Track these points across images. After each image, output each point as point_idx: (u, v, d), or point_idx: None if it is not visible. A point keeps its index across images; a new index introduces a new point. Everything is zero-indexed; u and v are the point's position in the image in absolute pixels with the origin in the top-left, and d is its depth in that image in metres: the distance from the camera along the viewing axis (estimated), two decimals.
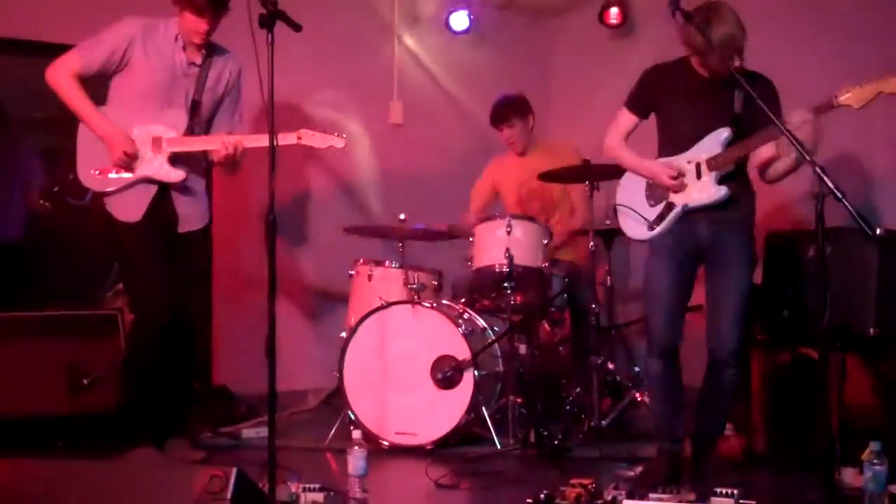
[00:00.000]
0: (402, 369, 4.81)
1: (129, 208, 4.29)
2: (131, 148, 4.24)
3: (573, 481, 3.69)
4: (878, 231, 4.02)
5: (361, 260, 5.31)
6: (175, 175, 4.30)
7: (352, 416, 4.83)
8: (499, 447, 4.62)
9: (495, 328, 5.06)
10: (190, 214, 4.41)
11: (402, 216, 5.09)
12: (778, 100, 3.92)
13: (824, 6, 5.32)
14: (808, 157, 3.39)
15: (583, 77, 6.98)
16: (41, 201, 5.72)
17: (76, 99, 4.26)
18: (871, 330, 4.13)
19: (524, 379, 5.03)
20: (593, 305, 5.12)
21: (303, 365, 6.13)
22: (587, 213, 5.12)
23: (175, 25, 4.32)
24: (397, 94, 6.76)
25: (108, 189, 4.30)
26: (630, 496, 3.56)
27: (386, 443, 4.76)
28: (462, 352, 4.71)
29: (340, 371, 4.90)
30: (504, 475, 4.26)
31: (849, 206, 3.21)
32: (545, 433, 4.62)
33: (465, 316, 4.99)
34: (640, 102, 4.13)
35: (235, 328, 5.68)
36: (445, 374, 4.72)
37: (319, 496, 3.63)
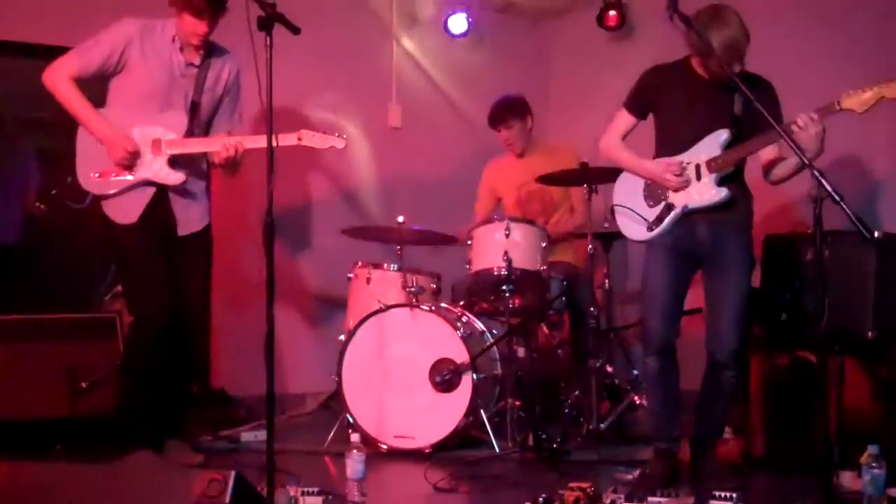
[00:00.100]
0: (400, 372, 4.81)
1: (126, 210, 4.29)
2: (132, 146, 4.23)
3: (572, 485, 3.69)
4: (876, 234, 4.01)
5: (360, 263, 5.31)
6: (175, 177, 4.30)
7: (350, 420, 4.83)
8: (497, 450, 4.62)
9: (494, 331, 5.06)
10: (189, 217, 4.41)
11: (400, 219, 5.09)
12: (778, 102, 3.93)
13: (827, 8, 5.32)
14: (805, 160, 3.39)
15: (581, 79, 6.98)
16: (37, 204, 5.71)
17: (74, 101, 4.25)
18: (870, 333, 4.14)
19: (523, 382, 5.02)
20: (592, 308, 5.12)
21: (301, 368, 6.13)
22: (587, 214, 5.12)
23: (172, 26, 4.31)
24: (396, 97, 6.76)
25: (109, 192, 4.29)
26: (629, 499, 3.56)
27: (384, 446, 4.76)
28: (460, 355, 4.71)
29: (339, 374, 4.90)
30: (502, 479, 4.25)
31: (847, 210, 3.21)
32: (544, 436, 4.62)
33: (464, 319, 4.99)
34: (638, 103, 4.13)
35: (234, 331, 5.68)
36: (444, 377, 4.72)
37: (318, 500, 3.63)
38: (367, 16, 6.68)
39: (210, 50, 4.38)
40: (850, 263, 4.17)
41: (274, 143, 3.96)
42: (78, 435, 4.66)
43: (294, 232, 6.21)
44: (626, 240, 4.36)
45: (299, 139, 4.25)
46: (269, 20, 3.55)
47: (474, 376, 4.69)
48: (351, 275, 5.30)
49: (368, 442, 4.60)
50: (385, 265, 5.23)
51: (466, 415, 4.69)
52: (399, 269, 5.15)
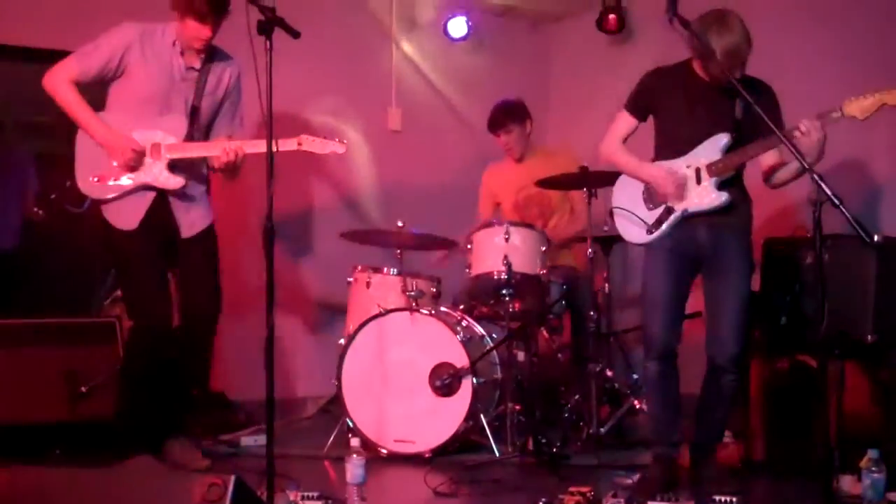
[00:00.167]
0: (400, 377, 4.81)
1: (126, 215, 4.28)
2: (137, 145, 4.21)
3: (571, 489, 3.69)
4: (875, 238, 4.02)
5: (359, 267, 5.31)
6: (174, 182, 4.28)
7: (350, 424, 4.82)
8: (497, 455, 4.61)
9: (493, 335, 5.06)
10: (191, 219, 4.39)
11: (400, 223, 5.09)
12: (779, 107, 3.92)
13: (828, 10, 5.32)
14: (805, 165, 3.40)
15: (581, 83, 6.99)
16: (35, 209, 5.71)
17: (74, 105, 4.24)
18: (870, 337, 4.13)
19: (523, 386, 5.02)
20: (592, 312, 5.12)
21: (301, 372, 6.14)
22: (587, 218, 5.12)
23: (173, 30, 4.29)
24: (395, 101, 6.77)
25: (108, 196, 4.28)
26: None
27: (384, 451, 4.76)
28: (460, 359, 4.70)
29: (339, 378, 4.90)
30: (502, 483, 4.25)
31: (846, 213, 3.21)
32: (543, 441, 4.62)
33: (464, 323, 4.98)
34: (639, 105, 4.12)
35: (233, 335, 5.66)
36: (444, 381, 4.72)
37: None
38: (367, 19, 6.69)
39: (211, 54, 4.36)
40: (850, 267, 4.16)
41: (274, 148, 3.98)
42: (77, 439, 4.66)
43: (294, 236, 6.21)
44: (625, 243, 4.35)
45: (299, 144, 4.25)
46: (269, 24, 3.56)
47: (474, 380, 4.68)
48: (350, 279, 5.30)
49: (368, 446, 4.60)
50: (385, 269, 5.23)
51: (466, 419, 4.69)
52: (399, 273, 5.15)
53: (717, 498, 3.53)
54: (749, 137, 3.89)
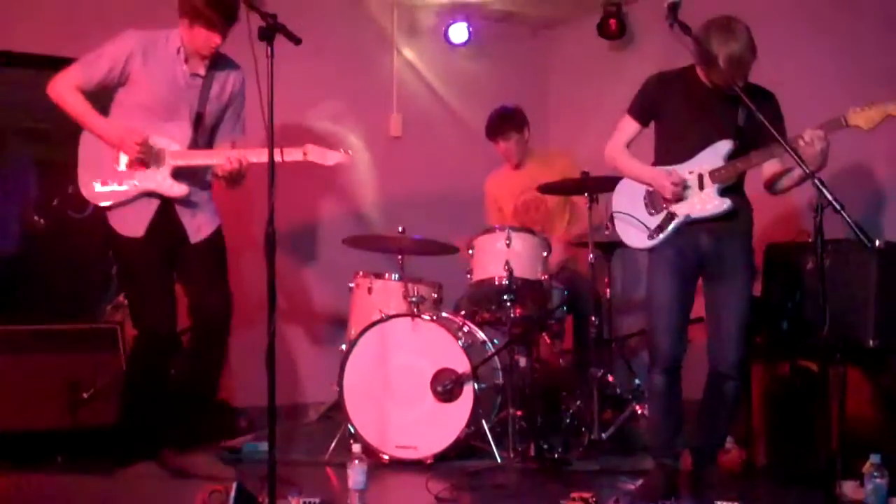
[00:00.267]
0: (402, 382, 4.81)
1: (132, 223, 4.25)
2: (142, 137, 4.17)
3: (574, 495, 3.69)
4: (876, 243, 4.03)
5: (361, 273, 5.31)
6: (178, 190, 4.25)
7: (352, 430, 4.82)
8: (499, 461, 4.61)
9: (495, 341, 5.06)
10: (198, 224, 4.35)
11: (401, 228, 5.09)
12: (781, 115, 3.92)
13: (829, 15, 5.33)
14: (807, 171, 3.40)
15: (582, 88, 6.99)
16: (36, 217, 5.71)
17: (81, 109, 4.21)
18: (871, 342, 4.14)
19: (524, 392, 5.02)
20: (593, 318, 5.12)
21: (303, 378, 6.13)
22: (587, 220, 5.13)
23: (177, 37, 4.26)
24: (396, 107, 6.78)
25: (111, 202, 4.25)
26: None
27: (386, 456, 4.75)
28: (462, 365, 4.70)
29: (340, 384, 4.89)
30: (504, 489, 4.25)
31: (847, 218, 3.22)
32: (545, 446, 4.63)
33: (465, 329, 4.98)
34: (642, 109, 4.11)
35: (235, 341, 5.65)
36: (445, 387, 4.72)
37: None
38: (368, 25, 6.70)
39: (215, 60, 4.33)
40: (852, 272, 4.17)
41: (280, 158, 4.00)
42: (79, 446, 4.65)
43: (295, 242, 6.21)
44: (627, 249, 4.35)
45: (305, 154, 4.23)
46: (271, 31, 3.56)
47: (476, 386, 4.68)
48: (352, 284, 5.30)
49: (370, 452, 4.60)
50: (386, 275, 5.23)
51: (468, 425, 4.69)
52: (400, 279, 5.15)
53: (718, 503, 3.53)
54: (751, 144, 3.89)
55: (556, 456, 4.57)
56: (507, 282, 4.89)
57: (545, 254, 5.06)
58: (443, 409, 4.72)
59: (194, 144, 4.30)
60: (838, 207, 3.23)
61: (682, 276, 4.02)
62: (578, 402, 5.06)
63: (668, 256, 4.02)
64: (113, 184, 4.24)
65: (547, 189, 5.28)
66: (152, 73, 4.23)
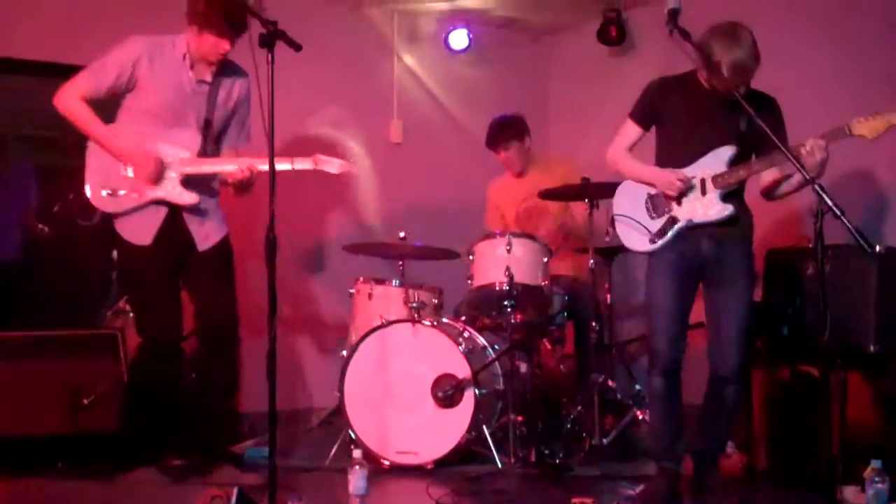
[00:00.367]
0: (402, 388, 4.81)
1: (140, 231, 4.23)
2: (158, 158, 4.16)
3: (575, 500, 3.69)
4: (877, 248, 4.03)
5: (362, 278, 5.31)
6: (188, 198, 4.23)
7: (352, 436, 4.82)
8: (500, 466, 4.60)
9: (496, 346, 5.06)
10: (205, 232, 4.34)
11: (402, 234, 5.10)
12: (783, 122, 3.93)
13: (835, 26, 5.34)
14: (808, 177, 3.41)
15: (582, 95, 7.00)
16: (39, 226, 5.71)
17: (89, 122, 4.18)
18: (872, 347, 4.13)
19: (525, 397, 5.02)
20: (594, 323, 5.12)
21: (304, 384, 6.13)
22: (584, 220, 5.14)
23: (182, 43, 4.24)
24: (397, 113, 6.79)
25: (120, 210, 4.22)
26: None
27: (387, 462, 4.75)
28: (462, 370, 4.70)
29: (341, 390, 4.89)
30: (505, 494, 4.24)
31: (847, 224, 3.22)
32: (546, 452, 4.62)
33: (466, 334, 4.98)
34: (644, 113, 4.11)
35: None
36: (446, 392, 4.71)
37: None
38: (369, 32, 6.71)
39: (222, 67, 4.31)
40: (852, 277, 4.17)
41: (290, 167, 4.00)
42: (79, 452, 4.65)
43: (296, 248, 6.21)
44: (627, 254, 4.35)
45: (315, 164, 4.22)
46: (271, 37, 3.57)
47: (476, 392, 4.68)
48: (353, 290, 5.30)
49: (370, 458, 4.60)
50: (387, 280, 5.23)
51: (469, 430, 4.68)
52: (401, 285, 5.15)
53: None
54: (753, 149, 3.90)
55: (557, 461, 4.56)
56: (507, 287, 4.89)
57: (546, 259, 5.06)
58: (443, 415, 4.72)
59: (203, 152, 4.29)
60: (839, 213, 3.24)
61: (682, 280, 4.02)
62: (579, 408, 5.06)
63: (669, 260, 4.02)
64: (121, 191, 4.21)
65: (547, 195, 5.29)
66: (159, 79, 4.21)
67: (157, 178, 4.20)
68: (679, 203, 4.00)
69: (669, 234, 4.02)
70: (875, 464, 3.62)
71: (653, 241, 4.06)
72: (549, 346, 5.42)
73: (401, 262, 5.19)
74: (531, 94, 7.09)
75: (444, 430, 4.70)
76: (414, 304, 4.97)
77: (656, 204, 4.08)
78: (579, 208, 5.58)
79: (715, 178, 3.94)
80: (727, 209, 3.94)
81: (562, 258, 5.52)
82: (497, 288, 4.95)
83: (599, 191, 4.94)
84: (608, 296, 5.42)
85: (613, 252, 5.31)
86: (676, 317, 4.01)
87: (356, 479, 3.89)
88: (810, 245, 3.60)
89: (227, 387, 4.44)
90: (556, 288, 5.22)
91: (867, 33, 5.19)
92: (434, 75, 6.99)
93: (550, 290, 5.09)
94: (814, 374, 4.32)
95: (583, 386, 5.15)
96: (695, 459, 4.18)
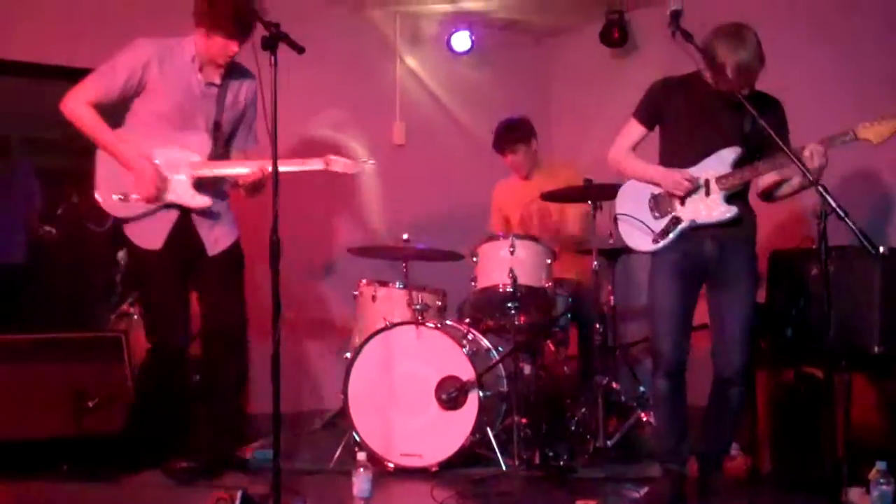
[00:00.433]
0: (406, 390, 4.81)
1: (150, 234, 4.21)
2: (162, 184, 4.15)
3: (579, 502, 3.69)
4: (881, 249, 4.03)
5: (365, 281, 5.31)
6: (200, 201, 4.22)
7: (357, 438, 4.82)
8: (504, 468, 4.60)
9: (499, 348, 5.06)
10: (216, 236, 4.33)
11: (405, 236, 5.10)
12: (786, 124, 3.92)
13: (838, 29, 5.34)
14: (811, 178, 3.41)
15: (584, 96, 7.01)
16: (46, 228, 5.71)
17: (97, 129, 4.15)
18: (876, 348, 4.13)
19: (529, 399, 5.01)
20: (597, 325, 5.12)
21: (308, 386, 6.13)
22: (579, 226, 5.14)
23: (190, 45, 4.22)
24: (399, 115, 6.79)
25: (131, 215, 4.20)
26: None
27: (391, 464, 4.75)
28: (466, 372, 4.70)
29: (345, 392, 4.89)
30: (509, 496, 4.24)
31: (851, 225, 3.22)
32: (550, 454, 4.62)
33: (470, 336, 4.98)
34: (648, 113, 4.09)
35: None
36: (450, 394, 4.71)
37: None
38: (371, 34, 6.72)
39: (229, 69, 4.29)
40: (856, 278, 4.16)
41: (302, 168, 4.00)
42: (84, 455, 4.65)
43: (299, 250, 6.20)
44: (630, 256, 4.35)
45: (326, 165, 4.22)
46: (274, 40, 3.58)
47: (480, 394, 4.68)
48: (356, 293, 5.30)
49: (375, 460, 4.60)
50: (390, 283, 5.24)
51: (473, 432, 4.68)
52: (404, 287, 5.15)
53: None
54: (756, 151, 3.89)
55: (561, 463, 4.56)
56: (511, 289, 4.89)
57: (549, 261, 5.06)
58: (447, 417, 4.72)
59: (214, 155, 4.29)
60: (842, 214, 3.24)
61: (685, 280, 4.01)
62: (583, 410, 5.06)
63: (672, 260, 4.02)
64: (133, 196, 4.18)
65: (550, 197, 5.29)
66: (168, 81, 4.19)
67: (157, 199, 4.17)
68: (683, 203, 3.99)
69: (672, 234, 4.02)
70: (880, 465, 3.61)
71: (656, 241, 4.05)
72: (552, 348, 5.42)
73: (404, 264, 5.20)
74: (533, 95, 7.09)
75: (449, 433, 4.70)
76: (417, 307, 4.97)
77: (660, 204, 4.07)
78: (574, 213, 5.59)
79: (719, 179, 3.93)
80: (731, 210, 3.93)
81: (565, 260, 5.51)
82: (501, 290, 4.94)
83: (602, 192, 4.94)
84: (611, 297, 5.42)
85: (617, 254, 5.31)
86: (680, 317, 4.01)
87: (360, 482, 3.90)
88: (814, 246, 3.60)
89: (235, 391, 4.42)
90: (560, 290, 5.21)
91: (868, 34, 5.19)
92: (436, 77, 6.99)
93: (554, 292, 5.09)
94: (818, 375, 4.31)
95: (587, 388, 5.15)
96: (699, 461, 4.17)
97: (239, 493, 3.10)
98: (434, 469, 4.68)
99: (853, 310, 4.10)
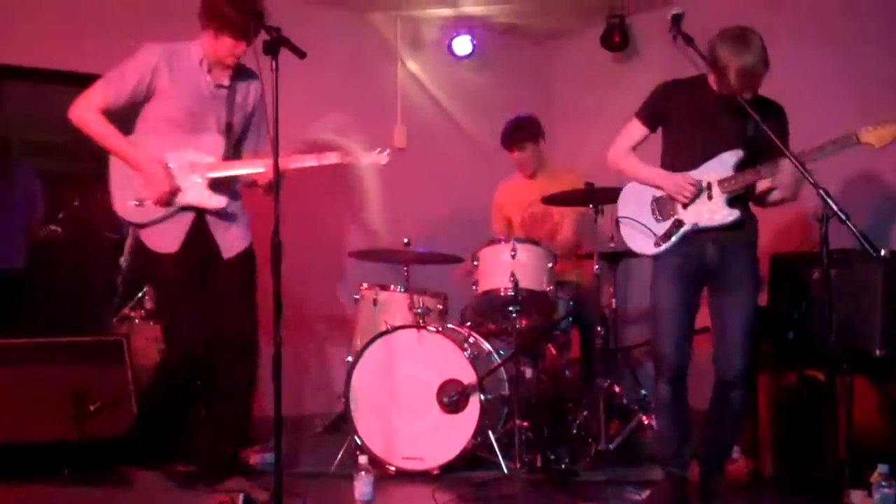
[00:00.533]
0: (408, 394, 4.81)
1: (166, 238, 4.18)
2: (172, 185, 4.12)
3: None
4: (882, 252, 4.03)
5: (366, 284, 5.32)
6: (217, 201, 4.19)
7: (358, 441, 4.82)
8: (506, 471, 4.60)
9: (501, 352, 5.06)
10: (230, 239, 4.30)
11: (406, 240, 5.10)
12: (787, 129, 3.91)
13: (841, 34, 5.34)
14: (811, 180, 3.41)
15: (585, 99, 7.02)
16: (51, 227, 5.71)
17: (107, 134, 4.12)
18: (878, 351, 4.13)
19: (530, 403, 5.01)
20: (599, 328, 5.12)
21: (309, 390, 6.13)
22: (572, 231, 5.14)
23: (197, 49, 4.20)
24: (401, 119, 6.80)
25: (149, 220, 4.16)
26: None
27: (392, 468, 4.74)
28: (468, 376, 4.70)
29: (346, 396, 4.89)
30: (511, 500, 4.24)
31: (853, 228, 3.22)
32: (552, 457, 4.62)
33: (471, 340, 4.98)
34: (651, 114, 4.09)
35: None
36: (451, 398, 4.71)
37: None
38: (372, 38, 6.73)
39: (237, 71, 4.27)
40: (858, 282, 4.17)
41: (317, 163, 3.98)
42: (85, 458, 4.65)
43: (300, 253, 6.19)
44: (631, 259, 4.34)
45: (342, 157, 4.22)
46: (275, 44, 3.58)
47: (482, 397, 4.68)
48: (357, 296, 5.30)
49: (376, 463, 4.60)
50: (392, 286, 5.23)
51: (474, 436, 4.68)
52: (405, 290, 5.15)
53: None
54: (757, 155, 3.89)
55: (562, 467, 4.56)
56: (512, 293, 4.89)
57: (550, 265, 5.06)
58: (449, 421, 4.72)
59: (226, 156, 4.26)
60: (844, 217, 3.24)
61: (687, 283, 4.01)
62: (585, 413, 5.06)
63: (674, 263, 4.01)
64: (149, 201, 4.15)
65: (551, 200, 5.29)
66: (178, 85, 4.16)
67: (169, 203, 4.15)
68: (685, 206, 3.99)
69: (675, 237, 4.01)
70: (882, 468, 3.62)
71: (658, 245, 4.05)
72: (554, 352, 5.42)
73: (405, 268, 5.20)
74: (535, 99, 7.09)
75: (450, 436, 4.70)
76: (419, 310, 4.97)
77: (662, 207, 4.07)
78: (569, 218, 5.59)
79: (721, 183, 3.93)
80: (733, 214, 3.93)
81: (566, 263, 5.52)
82: (502, 293, 4.95)
83: (603, 196, 4.94)
84: (613, 300, 5.42)
85: (618, 257, 5.31)
86: (681, 320, 4.01)
87: (362, 485, 3.90)
88: (816, 249, 3.59)
89: (246, 395, 4.39)
90: (561, 293, 5.21)
91: (869, 36, 5.19)
92: (437, 81, 7.00)
93: (555, 296, 5.09)
94: (820, 378, 4.31)
95: (588, 391, 5.15)
96: (701, 465, 4.17)
97: (240, 497, 3.10)
98: (435, 472, 4.68)
99: (855, 313, 4.11)
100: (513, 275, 4.88)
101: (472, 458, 4.79)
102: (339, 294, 5.97)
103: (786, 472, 4.44)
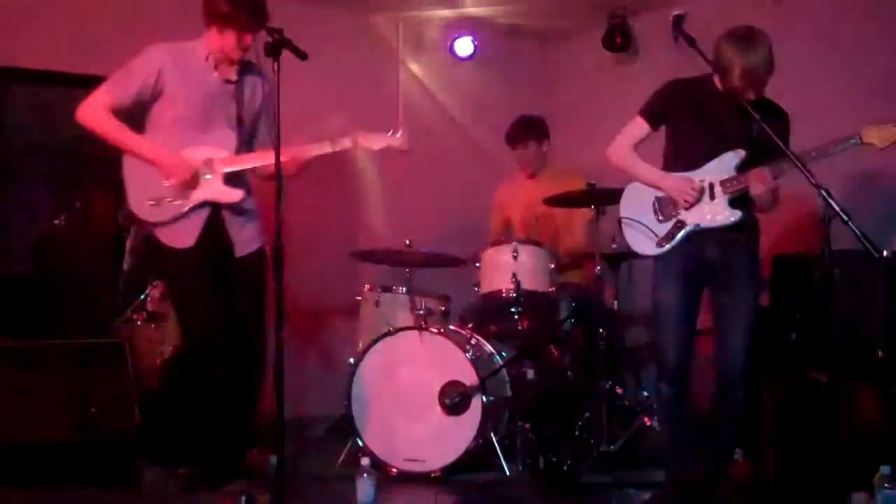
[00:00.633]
0: (410, 396, 4.80)
1: (182, 234, 4.18)
2: (190, 171, 4.12)
3: None
4: (884, 253, 4.02)
5: (368, 286, 5.32)
6: (234, 194, 4.19)
7: (360, 443, 4.81)
8: (508, 473, 4.60)
9: (503, 353, 5.05)
10: (244, 237, 4.31)
11: (407, 241, 5.10)
12: (788, 132, 3.90)
13: (835, 24, 5.34)
14: (813, 182, 3.41)
15: (587, 101, 7.01)
16: (56, 221, 5.70)
17: (116, 132, 4.12)
18: (880, 352, 4.13)
19: (533, 404, 5.01)
20: (601, 329, 5.12)
21: (311, 392, 6.13)
22: (586, 237, 5.13)
23: (203, 45, 4.21)
24: (402, 120, 6.78)
25: (165, 219, 4.16)
26: None
27: (394, 470, 4.74)
28: (470, 377, 4.70)
29: (348, 398, 4.89)
30: (513, 502, 4.24)
31: (854, 229, 3.22)
32: (554, 459, 4.61)
33: (473, 341, 4.98)
34: (655, 112, 4.08)
35: None
36: (453, 400, 4.71)
37: None
38: (374, 40, 6.73)
39: (244, 66, 4.28)
40: (860, 283, 4.16)
41: (331, 149, 4.09)
42: (87, 460, 4.65)
43: (302, 255, 6.21)
44: (633, 261, 4.34)
45: (355, 142, 4.22)
46: (277, 46, 3.58)
47: (484, 399, 4.68)
48: (360, 298, 5.30)
49: (378, 465, 4.59)
50: (394, 288, 5.23)
51: (476, 437, 4.68)
52: (408, 292, 5.15)
53: None
54: (759, 156, 3.88)
55: (565, 468, 4.56)
56: (514, 294, 4.89)
57: (552, 266, 5.06)
58: (451, 422, 4.72)
59: (239, 150, 4.26)
60: (846, 218, 3.23)
61: (688, 284, 4.00)
62: (587, 415, 5.05)
63: (675, 264, 4.01)
64: (166, 200, 4.15)
65: (553, 201, 5.29)
66: (187, 84, 4.16)
67: (192, 184, 4.14)
68: (687, 207, 3.99)
69: (677, 238, 4.01)
70: (884, 470, 3.60)
71: (660, 245, 4.04)
72: (556, 353, 5.42)
73: (407, 270, 5.20)
74: (536, 100, 7.08)
75: (452, 438, 4.70)
76: (421, 312, 4.97)
77: (663, 207, 4.06)
78: (579, 221, 5.58)
79: (723, 183, 3.92)
80: (735, 214, 3.93)
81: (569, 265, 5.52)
82: (504, 295, 4.95)
83: (605, 197, 4.94)
84: (615, 302, 5.42)
85: (620, 258, 5.31)
86: (683, 321, 4.00)
87: (364, 487, 3.89)
88: (818, 250, 3.59)
89: (252, 399, 4.39)
90: (563, 294, 5.21)
91: (865, 37, 5.18)
92: (439, 82, 7.00)
93: (557, 297, 5.09)
94: (822, 380, 4.30)
95: (590, 392, 5.14)
96: (703, 466, 4.16)
97: (243, 499, 3.10)
98: (437, 474, 4.67)
99: (857, 314, 4.10)
100: (514, 276, 4.88)
101: (475, 459, 4.78)
102: (341, 296, 5.96)
103: (788, 474, 4.43)
